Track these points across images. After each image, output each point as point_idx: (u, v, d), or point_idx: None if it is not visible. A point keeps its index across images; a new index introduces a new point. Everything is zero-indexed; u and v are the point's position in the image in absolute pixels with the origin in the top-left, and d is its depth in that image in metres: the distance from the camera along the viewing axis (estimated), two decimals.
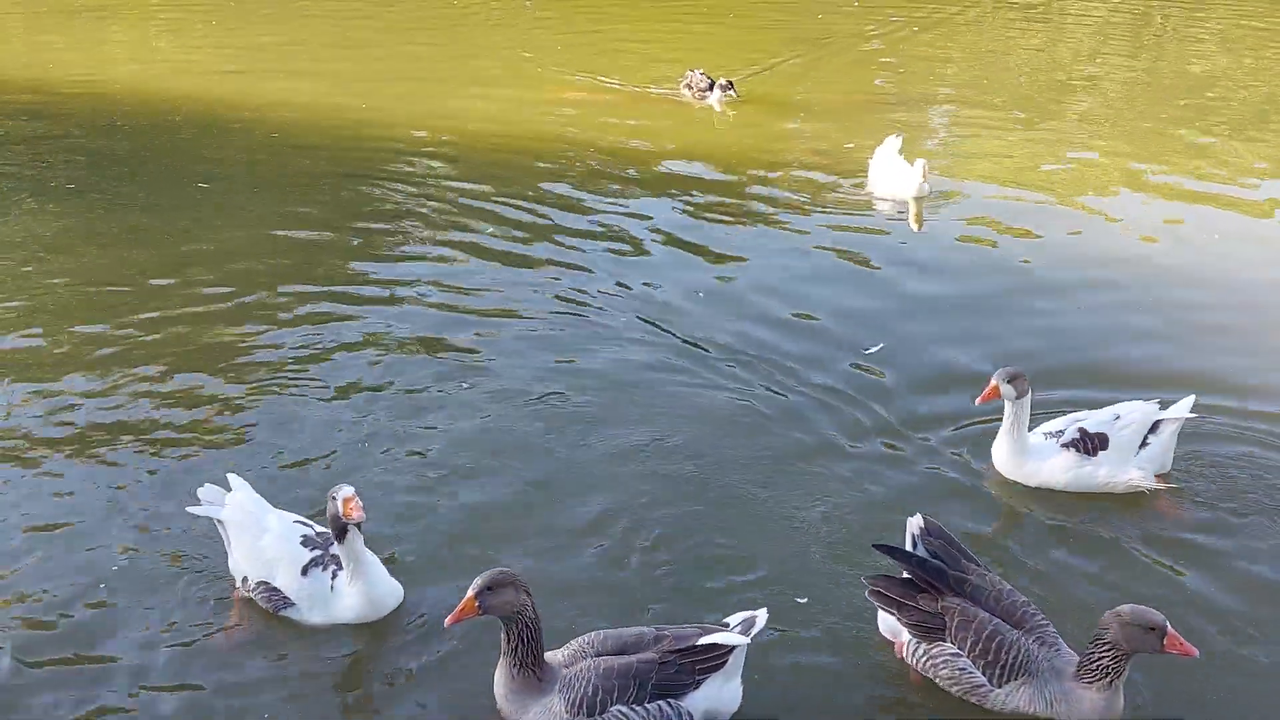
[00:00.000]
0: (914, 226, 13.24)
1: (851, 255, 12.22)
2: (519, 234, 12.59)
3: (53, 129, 16.03)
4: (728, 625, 5.98)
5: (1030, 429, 8.07)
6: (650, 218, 13.18)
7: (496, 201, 13.53)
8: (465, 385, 9.26)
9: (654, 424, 8.72)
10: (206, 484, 7.06)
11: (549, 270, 11.65)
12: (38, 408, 8.80)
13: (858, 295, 11.23)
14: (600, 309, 10.77)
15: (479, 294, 10.99)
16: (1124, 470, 7.93)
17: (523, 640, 5.74)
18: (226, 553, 6.89)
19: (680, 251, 12.23)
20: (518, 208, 13.35)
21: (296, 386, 9.22)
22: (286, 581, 6.73)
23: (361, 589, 6.65)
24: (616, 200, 13.81)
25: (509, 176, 14.37)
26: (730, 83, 17.94)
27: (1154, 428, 8.11)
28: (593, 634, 5.98)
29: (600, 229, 12.82)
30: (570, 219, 13.11)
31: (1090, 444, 7.89)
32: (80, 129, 16.08)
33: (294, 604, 6.73)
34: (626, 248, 12.30)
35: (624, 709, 5.69)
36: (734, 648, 5.80)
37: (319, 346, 9.86)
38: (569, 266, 11.77)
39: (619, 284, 11.25)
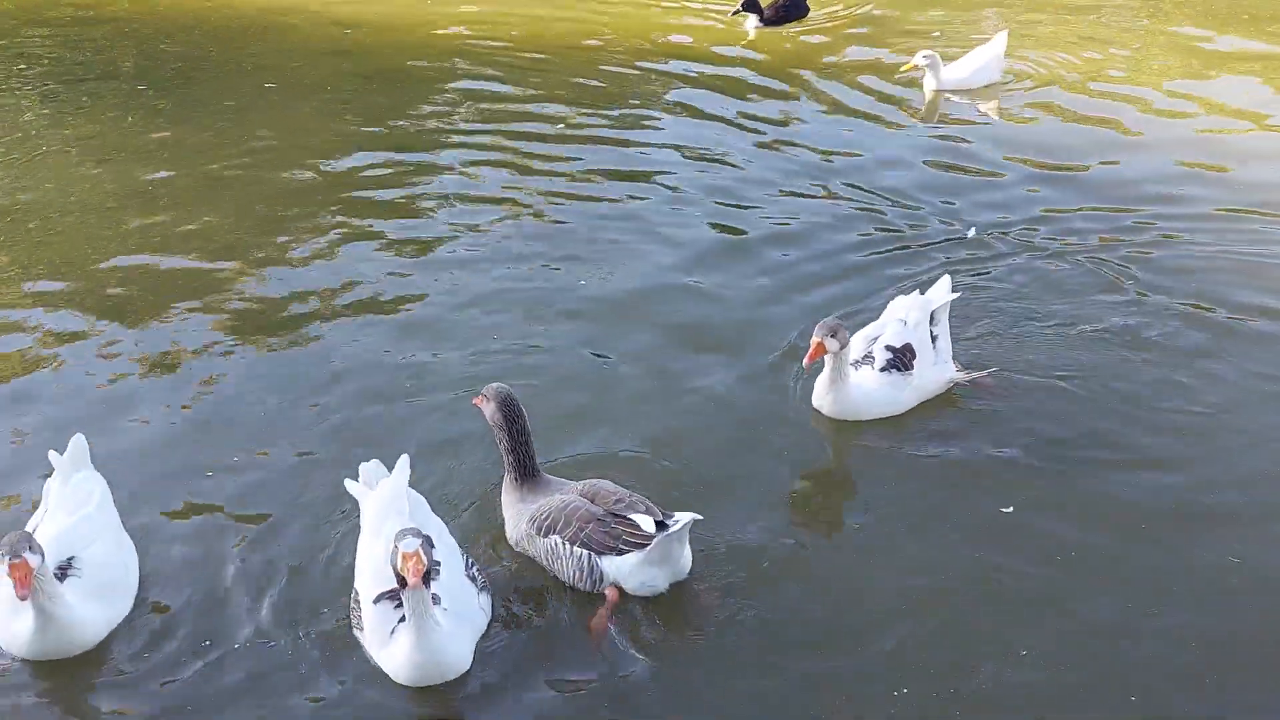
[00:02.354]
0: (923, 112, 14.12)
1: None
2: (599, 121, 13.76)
3: (113, 34, 16.98)
4: (673, 517, 6.37)
5: None
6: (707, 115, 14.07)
7: (565, 97, 14.47)
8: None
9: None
10: (374, 460, 6.68)
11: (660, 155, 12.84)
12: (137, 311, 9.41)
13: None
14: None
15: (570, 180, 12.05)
16: (941, 370, 8.15)
17: (502, 450, 6.78)
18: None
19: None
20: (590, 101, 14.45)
21: (407, 273, 10.03)
22: (363, 600, 6.04)
23: (410, 647, 5.80)
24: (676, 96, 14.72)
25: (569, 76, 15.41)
26: None
27: (931, 318, 8.25)
28: (595, 481, 6.77)
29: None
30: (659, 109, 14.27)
31: (904, 358, 8.01)
32: (140, 33, 17.04)
33: (361, 630, 6.08)
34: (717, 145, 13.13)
35: (558, 539, 6.48)
36: (652, 533, 6.30)
37: (422, 231, 10.88)
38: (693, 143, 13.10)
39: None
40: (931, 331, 8.19)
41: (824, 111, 14.21)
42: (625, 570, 6.40)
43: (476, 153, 12.80)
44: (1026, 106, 14.34)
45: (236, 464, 7.59)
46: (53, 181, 11.88)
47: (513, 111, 14.07)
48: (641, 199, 11.66)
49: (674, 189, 11.91)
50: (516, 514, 6.80)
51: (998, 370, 8.38)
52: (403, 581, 5.65)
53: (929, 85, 14.48)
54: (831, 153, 12.88)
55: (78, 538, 6.22)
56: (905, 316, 8.23)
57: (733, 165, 12.55)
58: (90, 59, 16.09)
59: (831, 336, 7.71)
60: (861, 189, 11.92)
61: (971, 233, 10.82)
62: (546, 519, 6.57)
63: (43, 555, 5.69)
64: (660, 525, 6.35)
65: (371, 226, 11.00)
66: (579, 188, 11.93)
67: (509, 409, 6.73)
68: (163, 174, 12.05)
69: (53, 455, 6.69)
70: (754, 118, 13.92)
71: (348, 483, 6.67)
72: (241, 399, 8.30)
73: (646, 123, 13.82)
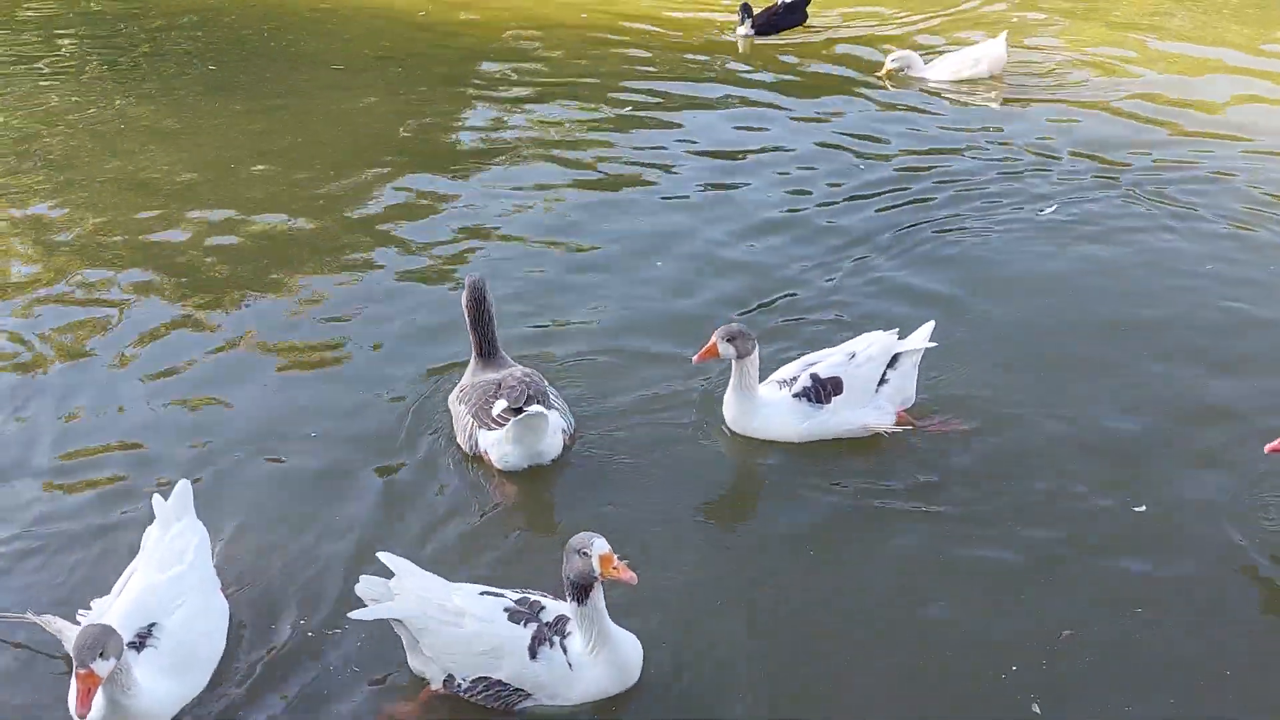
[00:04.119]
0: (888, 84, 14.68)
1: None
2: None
3: (176, 19, 17.85)
4: (541, 406, 7.29)
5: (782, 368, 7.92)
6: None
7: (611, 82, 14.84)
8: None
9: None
10: (362, 576, 5.89)
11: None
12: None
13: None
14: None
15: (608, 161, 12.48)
16: (859, 414, 7.59)
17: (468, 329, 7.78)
18: (405, 649, 5.85)
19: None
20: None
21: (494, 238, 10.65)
22: (513, 670, 5.67)
23: (608, 657, 5.68)
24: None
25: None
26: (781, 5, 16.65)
27: (894, 360, 7.68)
28: (520, 369, 7.74)
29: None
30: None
31: (822, 391, 7.53)
32: (202, 15, 17.95)
33: (529, 694, 5.73)
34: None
35: (463, 409, 7.58)
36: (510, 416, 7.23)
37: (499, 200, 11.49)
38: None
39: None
40: (886, 374, 7.66)
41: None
42: (489, 443, 7.38)
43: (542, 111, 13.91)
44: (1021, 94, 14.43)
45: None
46: (161, 157, 12.60)
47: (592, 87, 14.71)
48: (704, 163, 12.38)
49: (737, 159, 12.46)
50: (460, 382, 7.89)
51: (910, 429, 7.73)
52: (584, 593, 5.51)
53: (913, 75, 14.88)
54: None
55: (164, 600, 5.86)
56: (857, 350, 7.74)
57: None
58: (157, 43, 17.03)
59: (728, 341, 7.38)
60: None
61: (1048, 211, 10.81)
62: (462, 391, 7.69)
63: (118, 654, 5.23)
64: (517, 412, 7.17)
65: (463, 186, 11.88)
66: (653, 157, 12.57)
67: (474, 294, 7.69)
68: (242, 152, 12.75)
69: (156, 500, 6.37)
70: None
71: (363, 612, 5.75)
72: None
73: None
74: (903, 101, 14.10)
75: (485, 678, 5.67)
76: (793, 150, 12.58)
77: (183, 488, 6.38)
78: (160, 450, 7.68)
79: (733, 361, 7.45)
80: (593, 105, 14.10)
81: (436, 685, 5.78)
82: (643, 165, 12.26)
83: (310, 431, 7.87)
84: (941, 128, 13.24)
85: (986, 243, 10.38)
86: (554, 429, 7.42)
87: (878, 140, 12.82)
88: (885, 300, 9.40)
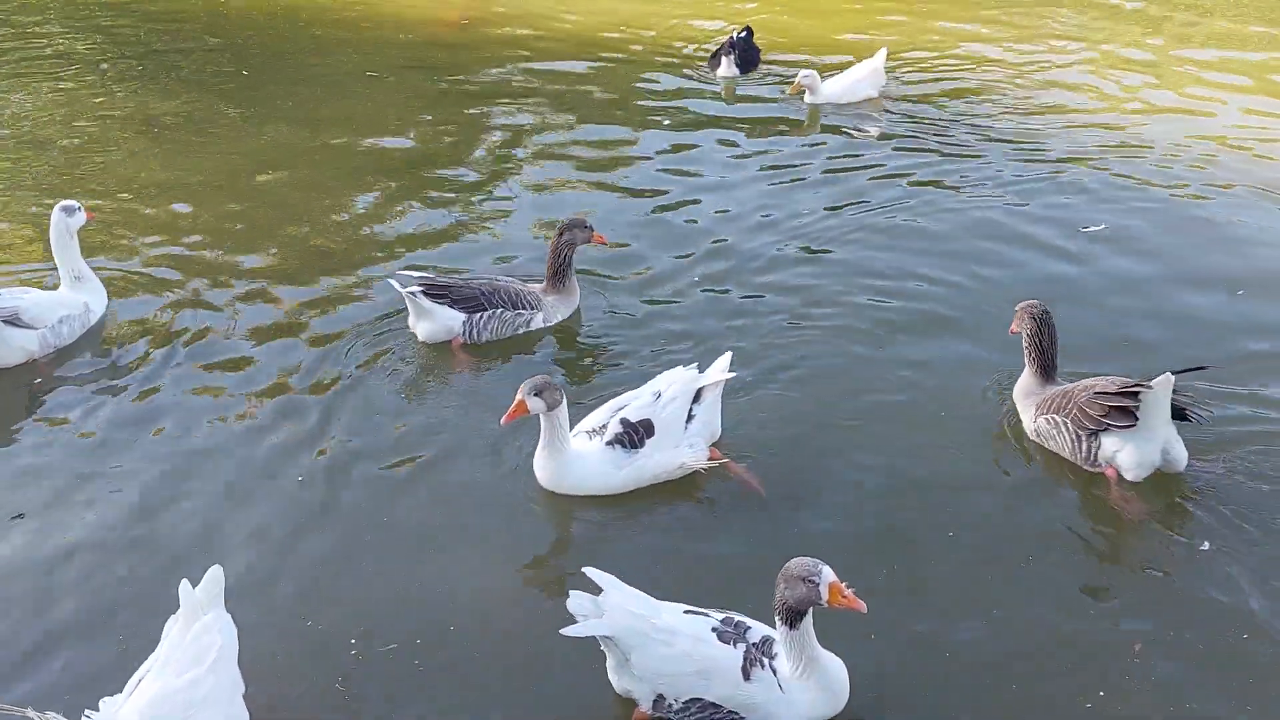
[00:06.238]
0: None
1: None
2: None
3: (210, 28, 17.86)
4: (418, 291, 8.72)
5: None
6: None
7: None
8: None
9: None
10: (571, 592, 5.72)
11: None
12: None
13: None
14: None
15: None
16: (674, 454, 7.32)
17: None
18: (610, 669, 5.79)
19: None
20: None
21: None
22: (726, 692, 5.59)
23: (818, 681, 5.62)
24: None
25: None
26: (738, 41, 15.56)
27: (696, 396, 7.54)
28: (512, 288, 9.05)
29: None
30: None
31: (635, 435, 7.25)
32: (233, 26, 18.03)
33: (743, 718, 5.64)
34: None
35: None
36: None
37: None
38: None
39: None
40: (692, 410, 7.46)
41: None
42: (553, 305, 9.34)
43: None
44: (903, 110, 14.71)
45: None
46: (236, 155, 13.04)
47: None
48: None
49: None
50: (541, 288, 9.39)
51: (724, 461, 7.59)
52: (798, 618, 5.45)
53: (809, 100, 14.83)
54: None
55: (175, 711, 5.21)
56: (661, 389, 7.49)
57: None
58: (182, 46, 17.23)
59: (535, 395, 7.02)
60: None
61: (1097, 229, 10.92)
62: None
63: None
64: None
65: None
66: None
67: (560, 229, 9.23)
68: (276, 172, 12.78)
69: (184, 587, 5.61)
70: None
71: (575, 629, 5.63)
72: None
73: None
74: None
75: (699, 699, 5.58)
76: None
77: (214, 574, 5.73)
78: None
79: (541, 417, 7.10)
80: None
81: (645, 707, 5.67)
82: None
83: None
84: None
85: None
86: (439, 319, 8.88)
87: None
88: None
